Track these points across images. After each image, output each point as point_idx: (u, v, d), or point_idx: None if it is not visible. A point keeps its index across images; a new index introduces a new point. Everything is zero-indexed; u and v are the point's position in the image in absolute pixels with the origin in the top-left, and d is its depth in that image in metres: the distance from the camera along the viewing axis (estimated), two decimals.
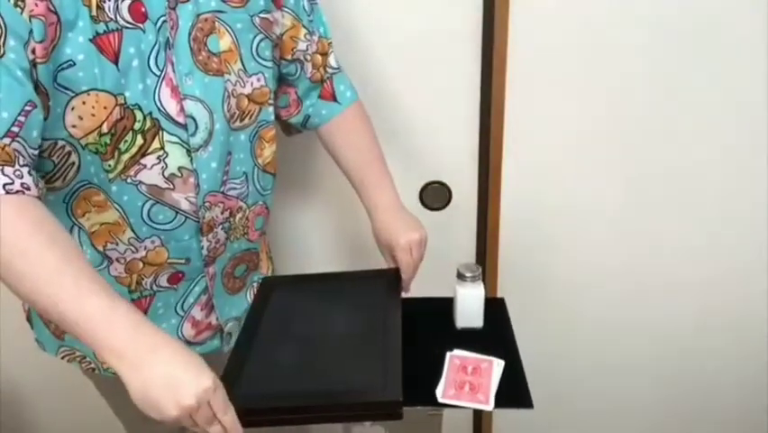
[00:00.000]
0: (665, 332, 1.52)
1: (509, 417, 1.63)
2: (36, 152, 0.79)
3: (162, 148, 0.89)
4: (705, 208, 1.38)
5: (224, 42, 0.92)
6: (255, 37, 0.96)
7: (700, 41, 1.23)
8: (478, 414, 1.64)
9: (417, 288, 1.34)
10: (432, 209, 1.41)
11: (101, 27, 0.80)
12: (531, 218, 1.41)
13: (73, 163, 0.87)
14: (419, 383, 0.81)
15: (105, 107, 0.83)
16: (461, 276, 0.93)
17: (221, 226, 1.01)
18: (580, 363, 1.58)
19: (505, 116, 1.31)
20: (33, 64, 0.76)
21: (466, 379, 0.83)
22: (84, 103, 0.82)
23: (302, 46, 1.06)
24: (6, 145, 0.73)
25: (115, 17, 0.81)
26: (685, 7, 1.20)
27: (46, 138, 0.82)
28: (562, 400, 1.61)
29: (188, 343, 1.07)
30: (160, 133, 0.88)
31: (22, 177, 0.74)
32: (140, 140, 0.87)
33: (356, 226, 1.43)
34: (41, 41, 0.75)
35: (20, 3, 0.72)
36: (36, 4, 0.73)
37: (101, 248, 0.94)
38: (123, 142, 0.86)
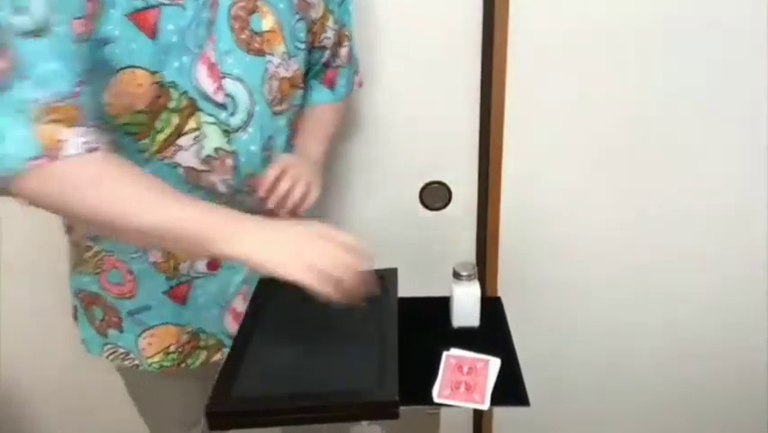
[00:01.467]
0: (664, 333, 1.52)
1: (509, 417, 1.63)
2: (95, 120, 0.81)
3: (199, 128, 0.88)
4: (705, 211, 1.38)
5: (266, 22, 0.91)
6: (293, 18, 0.96)
7: (701, 42, 1.23)
8: (477, 414, 1.64)
9: (418, 288, 1.34)
10: (432, 209, 1.41)
11: (139, 3, 0.79)
12: (531, 218, 1.41)
13: (110, 142, 0.86)
14: (416, 383, 0.81)
15: (140, 84, 0.82)
16: (456, 275, 0.93)
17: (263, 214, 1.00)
18: (580, 363, 1.58)
19: (505, 116, 1.31)
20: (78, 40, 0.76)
21: (462, 379, 0.83)
22: (120, 81, 0.81)
23: (329, 34, 1.07)
24: (73, 106, 0.74)
25: None
26: (685, 7, 1.20)
27: None
28: (561, 399, 1.61)
29: (231, 337, 1.07)
30: (197, 113, 0.88)
31: (92, 134, 0.76)
32: (175, 119, 0.87)
33: (359, 228, 1.44)
34: (81, 17, 0.75)
35: None
36: None
37: None
38: (158, 121, 0.86)
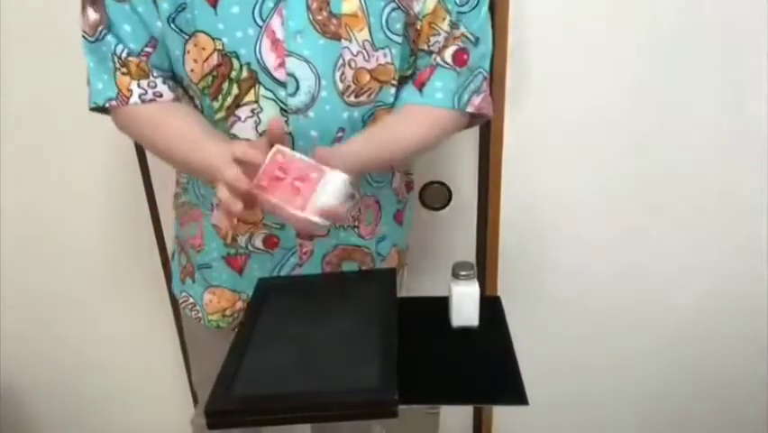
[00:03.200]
0: (665, 331, 1.52)
1: (508, 417, 1.63)
2: (169, 74, 0.93)
3: (257, 102, 0.89)
4: (705, 208, 1.38)
5: (348, 5, 0.86)
6: (386, 6, 0.88)
7: (700, 42, 1.23)
8: (478, 413, 1.64)
9: (418, 288, 1.34)
10: (432, 209, 1.41)
11: None
12: (531, 218, 1.41)
13: (196, 107, 0.94)
14: (415, 383, 0.82)
15: (203, 48, 0.87)
16: (455, 274, 0.93)
17: None
18: (579, 363, 1.58)
19: (505, 116, 1.31)
20: (155, 1, 0.85)
21: (287, 180, 0.78)
22: (195, 45, 0.86)
23: (440, 38, 0.94)
24: (140, 62, 0.89)
25: None
26: (685, 7, 1.20)
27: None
28: (561, 399, 1.61)
29: None
30: (257, 86, 0.88)
31: (155, 86, 0.91)
32: (235, 89, 0.89)
33: None
34: None
35: None
36: None
37: (203, 191, 1.03)
38: (221, 90, 0.90)
